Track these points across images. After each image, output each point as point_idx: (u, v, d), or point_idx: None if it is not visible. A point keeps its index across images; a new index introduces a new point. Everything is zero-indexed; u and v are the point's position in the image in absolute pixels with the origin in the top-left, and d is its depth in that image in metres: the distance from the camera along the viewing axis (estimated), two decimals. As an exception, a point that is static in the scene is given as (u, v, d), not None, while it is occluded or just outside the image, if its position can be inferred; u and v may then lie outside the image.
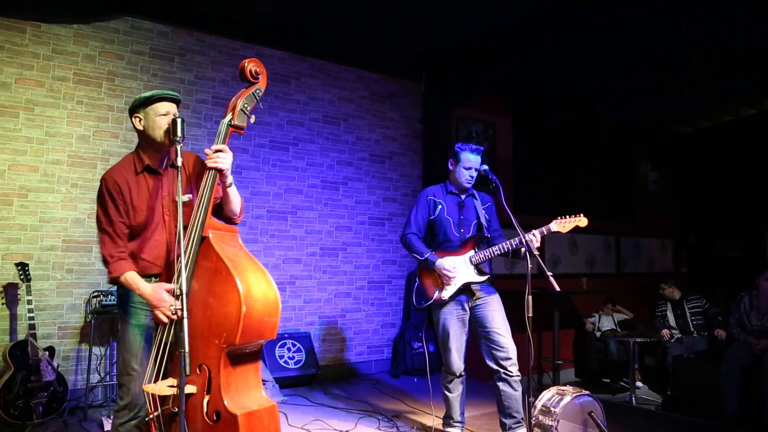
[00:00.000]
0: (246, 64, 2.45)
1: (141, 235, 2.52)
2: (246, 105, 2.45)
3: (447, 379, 3.75)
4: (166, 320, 2.31)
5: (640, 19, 5.34)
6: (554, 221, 3.46)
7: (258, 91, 2.49)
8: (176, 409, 2.25)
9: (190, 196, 2.41)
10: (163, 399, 2.29)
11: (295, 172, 5.95)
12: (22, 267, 4.28)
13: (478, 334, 3.68)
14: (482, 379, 4.77)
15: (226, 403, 2.18)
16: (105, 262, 2.48)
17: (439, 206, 3.73)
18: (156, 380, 2.31)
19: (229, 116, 2.43)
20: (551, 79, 6.87)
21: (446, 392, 3.77)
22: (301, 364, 5.53)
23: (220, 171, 2.38)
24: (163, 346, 2.31)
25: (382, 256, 6.52)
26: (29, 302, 4.20)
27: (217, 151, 2.38)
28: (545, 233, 3.41)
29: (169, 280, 2.40)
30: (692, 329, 6.23)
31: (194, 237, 2.29)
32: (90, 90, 4.86)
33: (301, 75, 6.04)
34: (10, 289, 4.43)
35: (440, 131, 6.57)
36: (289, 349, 5.54)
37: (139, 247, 2.52)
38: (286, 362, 5.45)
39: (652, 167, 9.16)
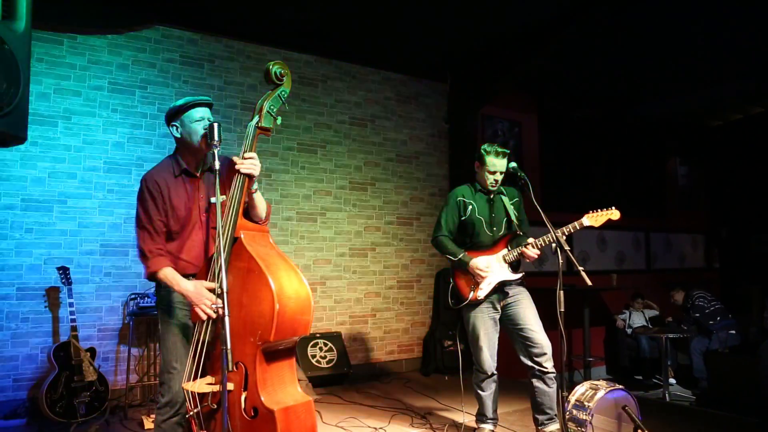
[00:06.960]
0: (270, 66, 2.46)
1: (180, 236, 2.61)
2: (272, 107, 2.47)
3: (479, 378, 3.74)
4: (204, 317, 2.36)
5: (667, 13, 5.28)
6: (586, 215, 3.44)
7: (283, 93, 2.49)
8: (215, 406, 2.32)
9: (225, 197, 2.45)
10: (202, 396, 2.36)
11: (324, 174, 6.03)
12: (63, 271, 4.43)
13: (512, 332, 3.67)
14: (514, 377, 4.77)
15: (262, 399, 2.24)
16: (143, 257, 2.54)
17: (470, 207, 3.73)
18: (194, 378, 2.37)
19: (255, 118, 2.47)
20: (577, 76, 6.82)
21: (479, 391, 3.76)
22: (333, 363, 5.60)
23: (250, 177, 2.44)
24: (201, 345, 2.38)
25: (410, 256, 6.56)
26: (71, 305, 4.35)
27: (248, 157, 2.43)
28: (578, 228, 3.39)
29: (205, 279, 2.48)
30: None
31: (227, 238, 2.34)
32: (124, 98, 4.98)
33: (328, 78, 6.12)
34: (52, 293, 4.60)
35: (466, 130, 6.58)
36: (321, 349, 5.61)
37: (178, 247, 2.61)
38: (318, 361, 5.52)
39: (681, 162, 9.02)
